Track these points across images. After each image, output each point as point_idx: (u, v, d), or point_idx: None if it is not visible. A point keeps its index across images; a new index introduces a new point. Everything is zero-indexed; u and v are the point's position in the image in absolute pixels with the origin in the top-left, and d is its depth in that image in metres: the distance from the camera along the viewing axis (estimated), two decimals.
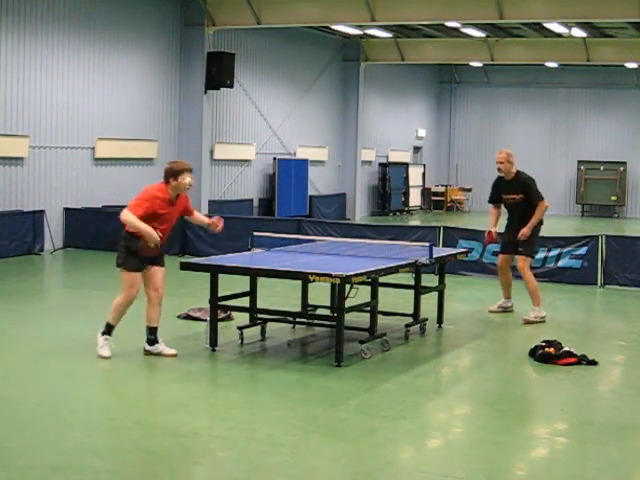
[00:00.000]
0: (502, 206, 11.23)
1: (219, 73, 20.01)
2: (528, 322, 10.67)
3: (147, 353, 8.40)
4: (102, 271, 14.44)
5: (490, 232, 11.16)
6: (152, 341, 8.40)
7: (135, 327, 9.89)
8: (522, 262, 10.92)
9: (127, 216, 8.08)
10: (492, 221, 11.26)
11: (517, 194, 10.88)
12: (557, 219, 29.89)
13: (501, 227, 11.31)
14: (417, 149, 32.80)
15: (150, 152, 19.62)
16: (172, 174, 8.29)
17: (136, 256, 8.17)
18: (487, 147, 33.65)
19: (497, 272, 11.54)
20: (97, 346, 8.27)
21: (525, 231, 10.80)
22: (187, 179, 8.30)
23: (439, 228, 15.07)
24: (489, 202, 11.38)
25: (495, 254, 14.41)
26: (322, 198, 25.83)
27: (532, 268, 14.10)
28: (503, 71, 32.42)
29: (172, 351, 8.40)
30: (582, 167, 31.69)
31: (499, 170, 10.95)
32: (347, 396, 7.32)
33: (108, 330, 8.31)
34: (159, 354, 8.34)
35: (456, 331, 10.21)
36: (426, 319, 9.92)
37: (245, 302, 9.17)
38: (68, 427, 6.32)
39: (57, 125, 17.22)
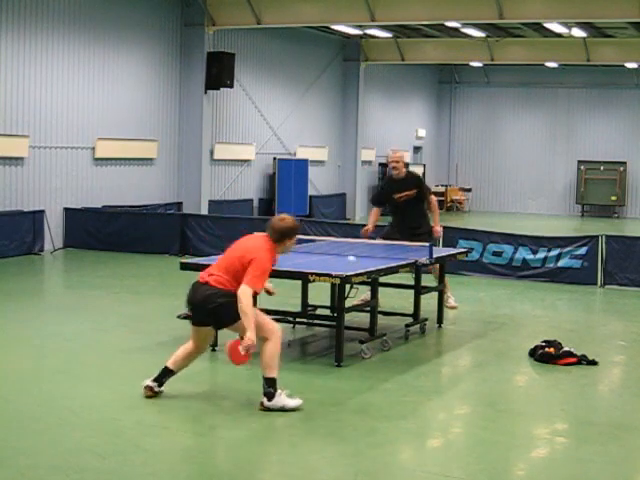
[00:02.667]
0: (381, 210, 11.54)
1: (219, 73, 20.01)
2: (453, 307, 11.28)
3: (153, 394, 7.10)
4: (102, 271, 14.45)
5: (367, 230, 11.26)
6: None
7: (135, 327, 9.91)
8: None
9: (248, 299, 6.68)
10: (373, 220, 11.41)
11: (411, 190, 11.10)
12: (557, 219, 29.94)
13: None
14: (417, 149, 32.80)
15: (150, 152, 19.62)
16: (291, 233, 7.09)
17: None
18: (487, 147, 33.72)
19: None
20: (284, 405, 6.80)
21: (438, 228, 11.31)
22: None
23: None
24: (373, 203, 11.76)
25: (495, 254, 14.51)
26: (322, 198, 25.82)
27: (532, 268, 14.21)
28: (503, 71, 32.42)
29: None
30: (582, 167, 31.69)
31: (394, 169, 11.19)
32: (347, 396, 7.31)
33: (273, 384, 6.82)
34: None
35: (456, 331, 10.21)
36: (426, 319, 9.92)
37: None
38: (68, 427, 6.32)
39: (57, 125, 17.22)
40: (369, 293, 11.12)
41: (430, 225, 11.31)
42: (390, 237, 11.06)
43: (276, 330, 6.97)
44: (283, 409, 6.70)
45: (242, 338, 6.71)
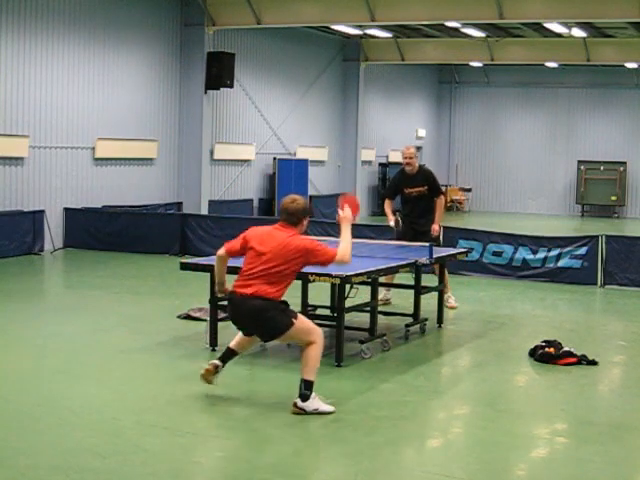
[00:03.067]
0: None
1: (219, 73, 20.01)
2: (453, 307, 11.33)
3: (212, 373, 7.15)
4: (102, 271, 14.45)
5: (397, 220, 11.38)
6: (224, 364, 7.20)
7: (135, 327, 9.91)
8: None
9: (349, 252, 6.84)
10: (390, 211, 11.55)
11: (422, 186, 11.31)
12: (557, 219, 29.93)
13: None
14: (417, 149, 32.76)
15: (150, 152, 19.62)
16: (306, 212, 6.95)
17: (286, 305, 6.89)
18: (487, 147, 33.71)
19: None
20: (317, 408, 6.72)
21: (436, 227, 11.33)
22: None
23: None
24: (386, 196, 11.95)
25: (495, 254, 14.51)
26: (322, 198, 25.82)
27: (532, 268, 14.21)
28: (503, 71, 32.42)
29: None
30: (582, 167, 31.69)
31: (407, 165, 11.36)
32: (347, 396, 7.31)
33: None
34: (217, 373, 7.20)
35: (456, 331, 10.21)
36: (426, 319, 9.92)
37: None
38: (68, 427, 6.32)
39: (57, 125, 17.22)
40: (386, 292, 11.21)
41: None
42: (400, 227, 11.33)
43: (321, 334, 6.92)
44: (317, 412, 6.64)
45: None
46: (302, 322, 6.82)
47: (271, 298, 6.67)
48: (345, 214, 7.08)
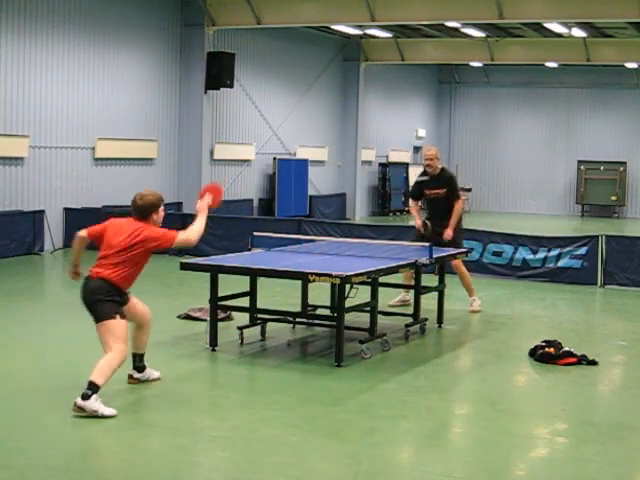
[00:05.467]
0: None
1: (219, 73, 20.01)
2: (474, 311, 11.24)
3: (136, 381, 7.48)
4: None
5: (424, 222, 11.25)
6: (142, 368, 7.54)
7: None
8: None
9: (191, 235, 7.43)
10: (416, 212, 11.60)
11: (441, 189, 11.22)
12: (557, 219, 29.93)
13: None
14: (417, 149, 32.79)
15: (150, 152, 19.62)
16: (155, 206, 7.38)
17: (121, 300, 7.21)
18: (487, 147, 33.71)
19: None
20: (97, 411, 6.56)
21: (449, 232, 11.04)
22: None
23: None
24: (410, 196, 11.87)
25: (495, 254, 14.51)
26: (322, 198, 25.83)
27: (532, 268, 14.21)
28: (503, 71, 32.42)
29: (157, 374, 7.57)
30: (582, 167, 31.68)
31: (429, 166, 11.27)
32: (347, 396, 7.31)
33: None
34: (147, 380, 7.54)
35: (456, 331, 10.21)
36: (426, 319, 9.91)
37: (245, 302, 9.17)
38: (68, 427, 6.32)
39: (57, 125, 17.23)
40: (404, 294, 11.21)
41: (458, 226, 11.30)
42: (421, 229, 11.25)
43: (124, 354, 6.96)
44: (96, 413, 6.44)
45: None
46: (119, 327, 6.95)
47: (109, 280, 7.06)
48: (201, 204, 7.68)
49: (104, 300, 7.01)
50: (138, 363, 7.48)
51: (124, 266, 7.16)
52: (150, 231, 7.22)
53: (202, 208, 7.67)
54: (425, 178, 11.36)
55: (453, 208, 11.14)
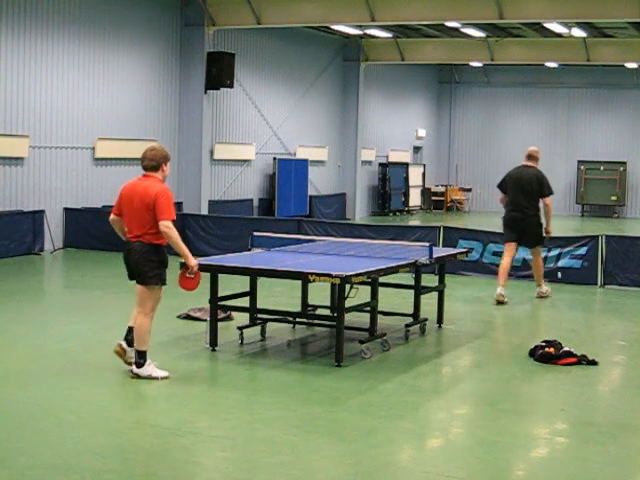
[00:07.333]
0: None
1: (219, 73, 20.01)
2: (541, 295, 12.61)
3: (122, 352, 7.74)
4: (102, 271, 14.44)
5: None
6: (131, 342, 7.70)
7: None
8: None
9: (172, 231, 7.48)
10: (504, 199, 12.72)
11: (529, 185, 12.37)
12: (557, 219, 29.84)
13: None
14: (417, 149, 32.81)
15: None
16: (166, 158, 7.82)
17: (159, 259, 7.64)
18: (487, 147, 33.71)
19: (506, 266, 12.43)
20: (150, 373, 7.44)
21: (550, 229, 12.57)
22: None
23: (439, 228, 15.07)
24: (499, 188, 12.73)
25: (495, 254, 14.50)
26: (322, 198, 25.83)
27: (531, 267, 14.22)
28: (503, 71, 32.42)
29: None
30: (582, 167, 31.69)
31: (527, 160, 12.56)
32: (347, 396, 7.32)
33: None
34: (129, 362, 7.68)
35: (456, 331, 10.21)
36: (426, 319, 9.92)
37: (245, 302, 9.17)
38: (68, 427, 6.32)
39: (57, 125, 17.23)
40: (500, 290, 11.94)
41: (540, 222, 12.45)
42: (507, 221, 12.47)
43: (152, 314, 7.60)
44: (150, 377, 7.40)
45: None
46: (154, 294, 7.63)
47: (145, 242, 7.45)
48: (192, 260, 7.81)
49: (148, 266, 7.52)
50: (129, 336, 7.74)
51: (152, 225, 7.47)
52: (162, 200, 7.53)
53: (189, 258, 7.80)
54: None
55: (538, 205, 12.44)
